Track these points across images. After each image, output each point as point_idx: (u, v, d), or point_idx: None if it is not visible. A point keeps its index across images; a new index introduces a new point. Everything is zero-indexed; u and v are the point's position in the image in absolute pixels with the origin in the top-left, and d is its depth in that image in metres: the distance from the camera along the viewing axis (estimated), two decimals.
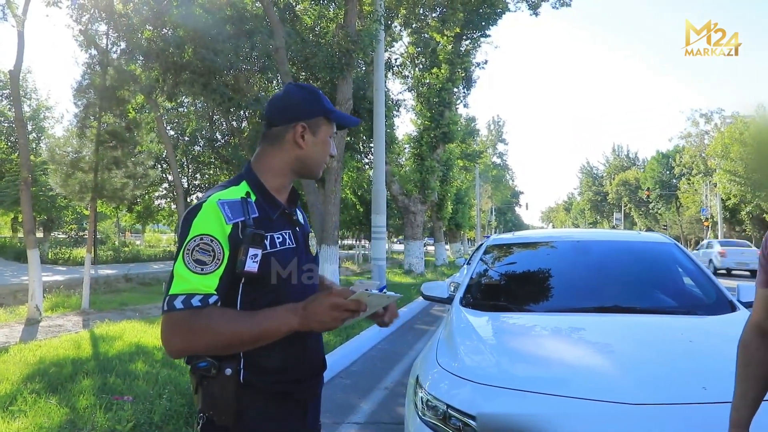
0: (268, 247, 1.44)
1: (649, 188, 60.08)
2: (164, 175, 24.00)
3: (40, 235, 25.56)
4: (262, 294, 1.44)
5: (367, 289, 1.38)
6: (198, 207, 1.43)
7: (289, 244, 1.51)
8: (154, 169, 16.68)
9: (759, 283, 1.53)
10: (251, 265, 1.39)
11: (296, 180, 1.65)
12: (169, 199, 27.79)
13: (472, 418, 2.14)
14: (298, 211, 1.64)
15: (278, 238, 1.48)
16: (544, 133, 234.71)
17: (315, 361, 1.59)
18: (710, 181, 44.30)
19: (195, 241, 1.37)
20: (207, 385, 1.40)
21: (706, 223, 45.96)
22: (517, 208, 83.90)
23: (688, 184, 51.36)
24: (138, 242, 39.55)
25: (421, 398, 2.40)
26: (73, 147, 11.79)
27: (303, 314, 1.38)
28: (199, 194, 23.83)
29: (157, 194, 27.20)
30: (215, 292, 1.36)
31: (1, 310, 10.64)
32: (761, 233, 41.21)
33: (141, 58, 11.84)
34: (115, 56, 11.87)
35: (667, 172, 60.38)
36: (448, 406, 2.23)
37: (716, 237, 42.83)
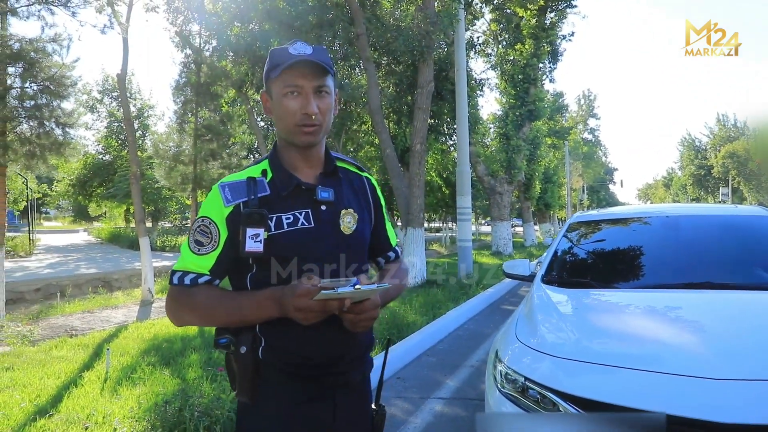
0: (273, 229, 1.38)
1: (760, 158, 55.06)
2: None
3: (149, 224, 27.68)
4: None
5: (334, 289, 1.25)
6: (210, 191, 1.46)
7: (302, 225, 1.40)
8: (247, 159, 17.59)
9: None
10: (253, 245, 1.35)
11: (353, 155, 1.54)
12: None
13: (551, 390, 2.17)
14: (322, 189, 1.46)
15: (288, 218, 1.40)
16: (639, 105, 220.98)
17: (346, 346, 1.44)
18: None
19: (197, 222, 1.41)
20: (228, 360, 1.43)
21: None
22: (611, 186, 79.93)
23: None
24: None
25: (500, 371, 2.46)
26: (174, 142, 12.71)
27: (281, 305, 1.32)
28: None
29: None
30: (208, 273, 1.39)
31: (119, 292, 11.74)
32: None
33: (231, 53, 12.45)
34: (207, 54, 12.58)
35: None
36: (526, 378, 2.28)
37: None
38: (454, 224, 32.97)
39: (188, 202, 19.01)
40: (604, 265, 3.56)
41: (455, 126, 13.53)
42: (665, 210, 4.18)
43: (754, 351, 2.15)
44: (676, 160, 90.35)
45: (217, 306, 1.38)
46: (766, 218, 3.60)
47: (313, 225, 1.41)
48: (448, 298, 8.77)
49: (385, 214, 1.66)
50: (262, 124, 21.02)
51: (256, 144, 20.93)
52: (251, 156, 22.73)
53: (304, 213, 1.42)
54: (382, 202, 1.65)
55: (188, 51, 12.79)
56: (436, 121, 15.92)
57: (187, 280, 1.39)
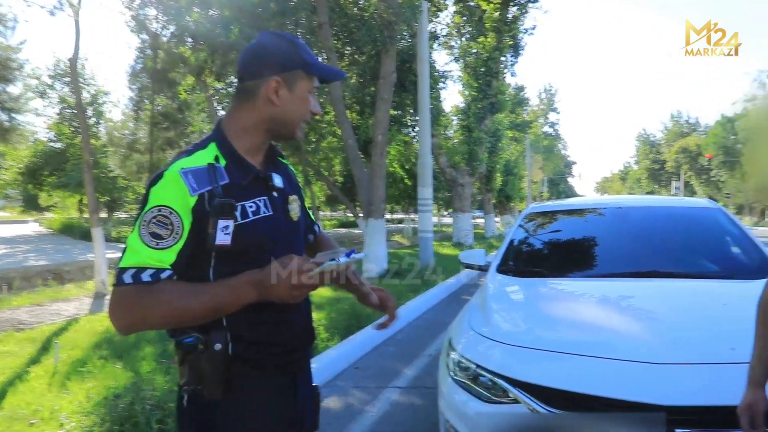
0: (239, 218, 1.32)
1: (710, 154, 57.26)
2: None
3: (103, 215, 26.86)
4: (238, 270, 1.31)
5: (333, 259, 1.29)
6: (159, 175, 1.29)
7: (264, 213, 1.38)
8: None
9: None
10: (223, 238, 1.28)
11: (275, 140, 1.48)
12: None
13: (501, 377, 2.21)
14: (275, 175, 1.47)
15: (251, 206, 1.36)
16: (599, 100, 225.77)
17: (305, 332, 1.50)
18: None
19: (152, 212, 1.25)
20: (194, 359, 1.31)
21: None
22: (570, 179, 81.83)
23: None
24: None
25: (453, 359, 2.50)
26: (130, 130, 12.35)
27: (261, 288, 1.28)
28: None
29: None
30: (169, 268, 1.25)
31: (71, 285, 11.39)
32: None
33: (189, 40, 12.14)
34: (165, 39, 12.24)
35: (732, 138, 57.26)
36: (478, 365, 2.31)
37: None
38: (417, 215, 33.14)
39: None
40: (556, 254, 3.64)
41: (417, 117, 13.56)
42: (617, 201, 4.30)
43: (696, 337, 2.25)
44: (633, 155, 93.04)
45: (190, 300, 1.25)
46: (710, 210, 3.74)
47: (271, 212, 1.40)
48: (408, 288, 8.82)
49: (304, 198, 1.68)
50: (222, 112, 20.62)
51: None
52: None
53: (263, 200, 1.39)
54: (300, 185, 1.68)
55: (144, 36, 12.42)
56: (399, 112, 15.93)
57: (145, 277, 1.22)
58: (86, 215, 27.22)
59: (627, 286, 2.92)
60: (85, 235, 21.57)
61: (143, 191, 1.36)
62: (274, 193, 1.44)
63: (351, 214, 26.60)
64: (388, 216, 30.10)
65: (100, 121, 27.71)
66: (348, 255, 1.33)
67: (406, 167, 27.83)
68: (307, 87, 1.42)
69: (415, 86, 13.76)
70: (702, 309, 2.58)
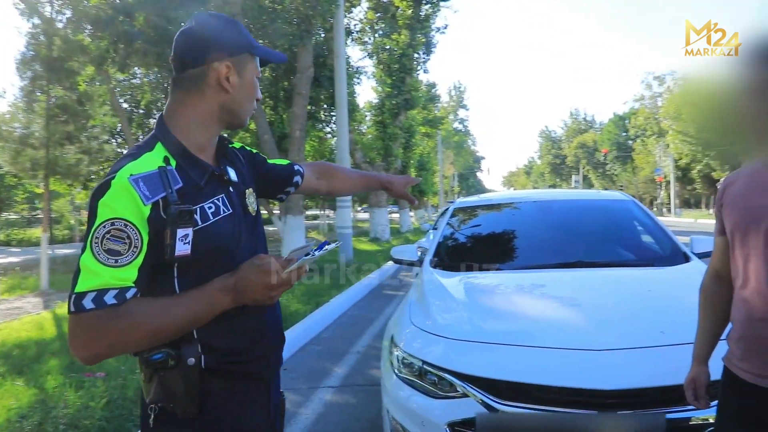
0: (200, 222, 1.22)
1: (606, 149, 61.67)
2: (120, 150, 23.25)
3: None
4: (204, 275, 1.22)
5: (308, 254, 1.24)
6: (106, 185, 1.15)
7: (224, 212, 1.28)
8: (109, 143, 16.20)
9: (715, 231, 1.64)
10: (183, 248, 1.17)
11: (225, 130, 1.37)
12: None
13: (446, 371, 2.22)
14: (229, 169, 1.37)
15: (210, 207, 1.25)
16: (505, 98, 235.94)
17: (275, 335, 1.44)
18: (663, 142, 45.76)
19: (105, 227, 1.12)
20: (165, 376, 1.21)
21: (659, 179, 47.60)
22: (479, 173, 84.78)
23: (642, 145, 52.79)
24: None
25: (397, 357, 2.48)
26: (21, 123, 11.32)
27: (235, 293, 1.21)
28: None
29: None
30: (133, 285, 1.13)
31: None
32: (711, 191, 43.00)
33: (89, 27, 11.30)
34: (61, 25, 11.32)
35: (623, 134, 61.85)
36: (424, 362, 2.31)
37: (669, 196, 44.60)
38: (332, 212, 32.87)
39: (39, 191, 17.11)
40: (487, 248, 3.73)
41: (333, 113, 13.48)
42: (538, 195, 4.47)
43: (628, 323, 2.38)
44: (536, 150, 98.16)
45: (163, 317, 1.15)
46: (623, 202, 3.99)
47: (231, 210, 1.31)
48: (331, 286, 8.74)
49: (264, 157, 1.62)
50: (125, 105, 19.49)
51: (119, 127, 19.31)
52: (114, 140, 20.97)
53: (221, 198, 1.29)
54: (254, 150, 1.59)
55: (37, 20, 11.40)
56: (313, 107, 15.76)
57: (109, 300, 1.10)
58: None
59: (557, 276, 3.04)
60: None
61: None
62: (231, 189, 1.34)
63: (265, 212, 26.00)
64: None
65: None
66: (321, 247, 1.29)
67: None
68: (255, 71, 1.35)
69: (330, 81, 13.67)
70: (630, 295, 2.73)
